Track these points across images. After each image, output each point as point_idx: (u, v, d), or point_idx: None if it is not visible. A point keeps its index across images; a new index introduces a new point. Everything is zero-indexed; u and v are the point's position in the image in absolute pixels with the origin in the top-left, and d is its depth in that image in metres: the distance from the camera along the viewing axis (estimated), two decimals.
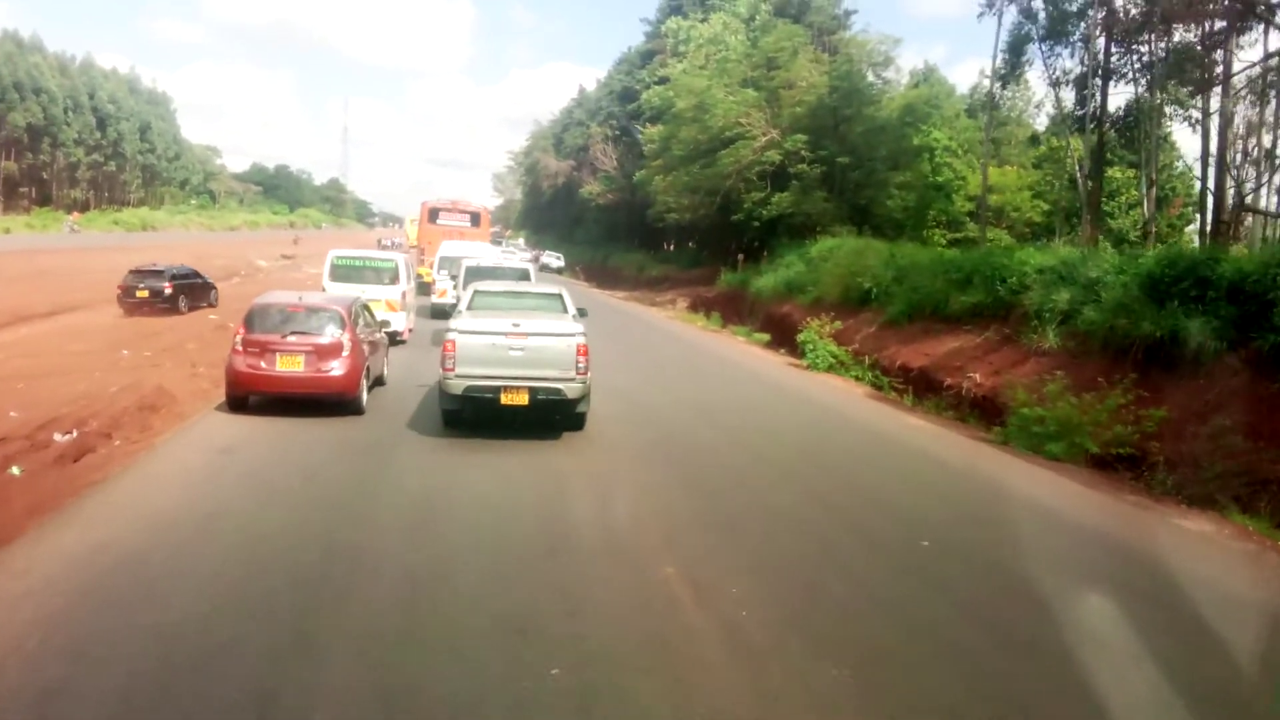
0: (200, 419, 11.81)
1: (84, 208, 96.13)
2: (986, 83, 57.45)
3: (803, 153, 36.39)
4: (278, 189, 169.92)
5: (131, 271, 25.95)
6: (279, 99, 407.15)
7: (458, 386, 11.37)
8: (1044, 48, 35.04)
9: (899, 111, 39.41)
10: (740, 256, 39.75)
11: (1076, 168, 35.27)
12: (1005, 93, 60.46)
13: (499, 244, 48.65)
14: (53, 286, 28.14)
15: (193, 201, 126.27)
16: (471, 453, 11.00)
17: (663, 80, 47.98)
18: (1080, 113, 33.57)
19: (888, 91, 40.89)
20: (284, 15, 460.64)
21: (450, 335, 11.51)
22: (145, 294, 24.80)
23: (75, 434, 9.75)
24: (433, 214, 41.21)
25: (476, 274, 20.18)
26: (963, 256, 24.71)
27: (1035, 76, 54.16)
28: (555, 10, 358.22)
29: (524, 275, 21.75)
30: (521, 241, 76.40)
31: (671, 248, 59.82)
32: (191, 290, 26.95)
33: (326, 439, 11.21)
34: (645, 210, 54.08)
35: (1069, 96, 34.96)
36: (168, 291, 25.36)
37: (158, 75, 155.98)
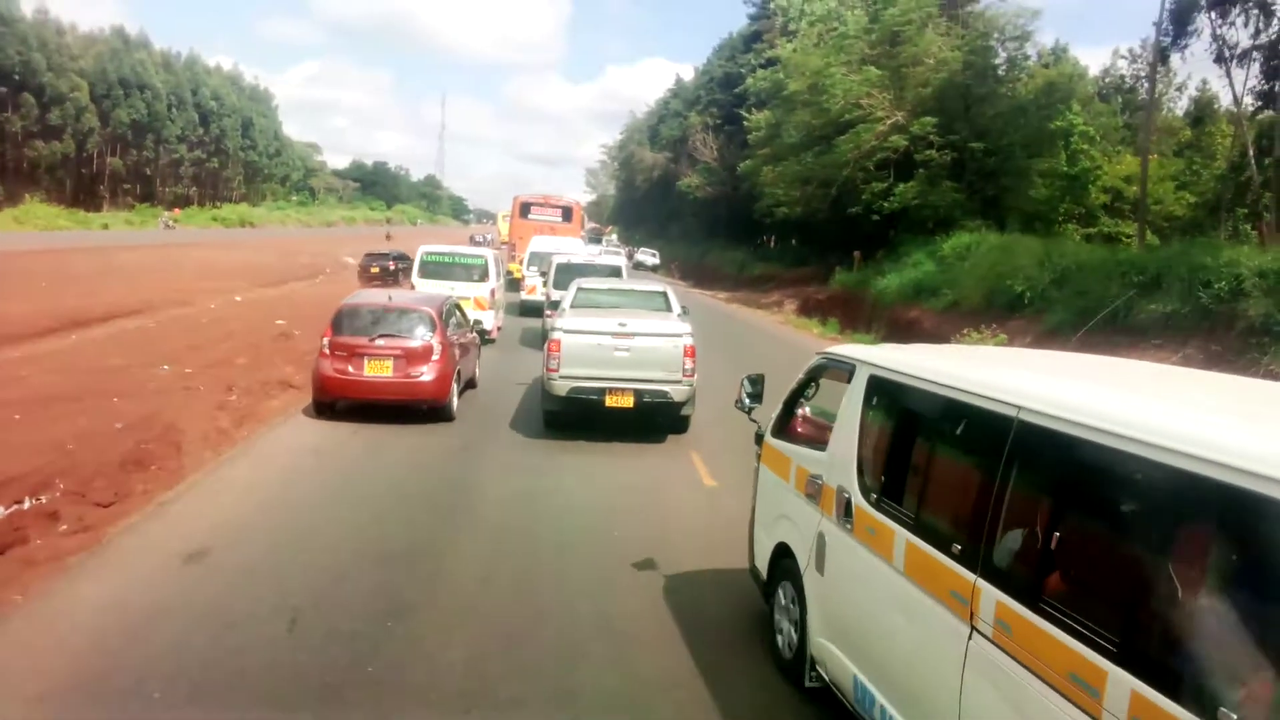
0: (196, 483, 8.91)
1: (186, 203, 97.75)
2: (1121, 65, 52.30)
3: (931, 137, 32.45)
4: (375, 185, 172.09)
5: (366, 254, 36.55)
6: (380, 97, 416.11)
7: (562, 388, 11.21)
8: (1213, 16, 30.34)
9: (1038, 92, 34.98)
10: (857, 254, 35.99)
11: (1250, 152, 30.47)
12: (1144, 76, 55.44)
13: (598, 241, 46.12)
14: (121, 287, 26.45)
15: (293, 198, 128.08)
16: (572, 454, 10.93)
17: (770, 63, 44.37)
18: (1265, 87, 28.82)
19: (1025, 69, 36.40)
20: (387, 12, 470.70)
21: (555, 335, 11.36)
22: (377, 270, 33.14)
23: (6, 511, 7.04)
24: (524, 209, 39.99)
25: (567, 271, 19.84)
26: (1147, 256, 20.73)
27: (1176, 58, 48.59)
28: (651, 3, 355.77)
29: (615, 272, 21.02)
30: (614, 237, 73.66)
31: (774, 244, 56.14)
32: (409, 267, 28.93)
33: (422, 436, 11.16)
34: (747, 204, 50.65)
35: (1239, 74, 30.17)
36: (391, 268, 33.22)
37: (263, 74, 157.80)
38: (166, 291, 26.28)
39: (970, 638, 3.69)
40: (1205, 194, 36.15)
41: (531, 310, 25.17)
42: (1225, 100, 42.62)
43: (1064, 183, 33.12)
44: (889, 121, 33.04)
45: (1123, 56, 56.58)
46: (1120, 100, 51.78)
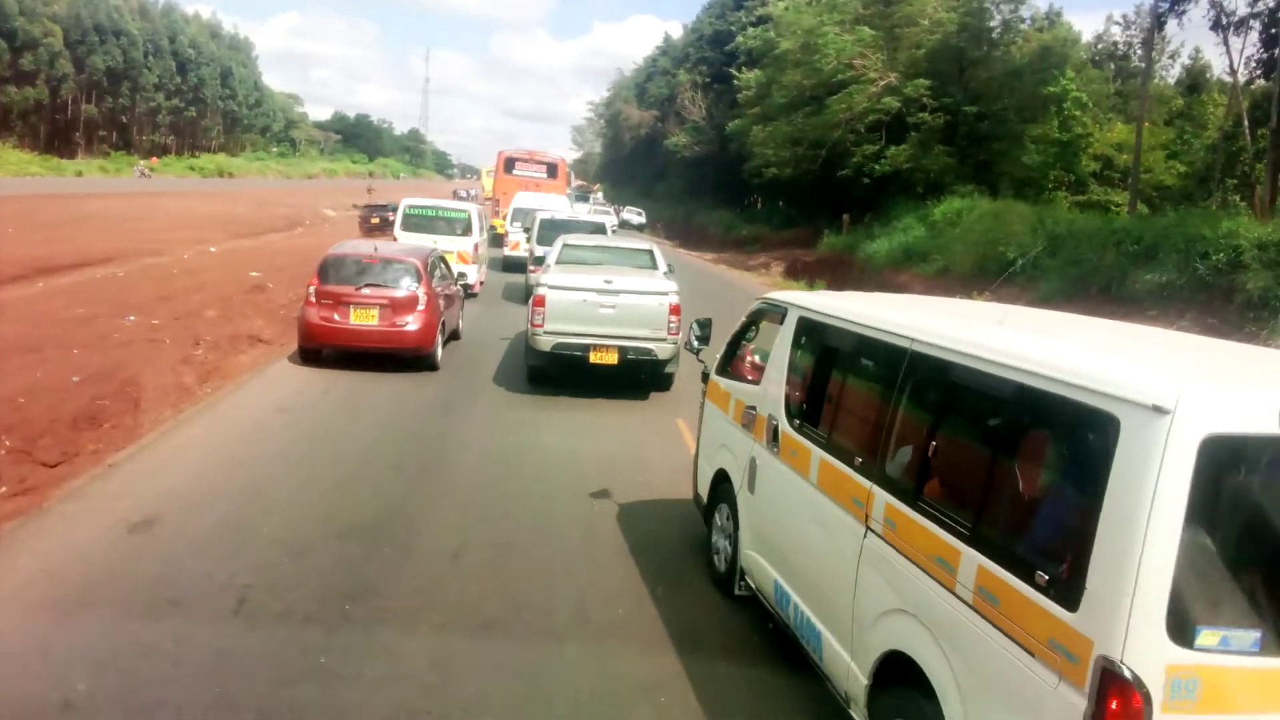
0: (151, 444, 8.29)
1: (164, 153, 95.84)
2: (1115, 31, 51.62)
3: (924, 100, 31.88)
4: (358, 139, 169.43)
5: (365, 206, 37.67)
6: (364, 49, 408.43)
7: (546, 343, 11.21)
8: None
9: (1032, 56, 34.37)
10: (846, 217, 35.52)
11: (1245, 121, 30.11)
12: (1138, 43, 54.79)
13: (585, 200, 45.46)
14: (91, 234, 25.68)
15: (273, 149, 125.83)
16: (554, 411, 10.90)
17: (762, 20, 43.54)
18: (1263, 56, 28.38)
19: (1020, 33, 35.74)
20: None
21: (540, 290, 11.32)
22: (377, 220, 32.69)
23: None
24: (509, 164, 39.75)
25: (551, 227, 19.82)
26: (1142, 225, 20.38)
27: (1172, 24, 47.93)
28: None
29: (600, 229, 20.91)
30: (599, 196, 72.69)
31: (761, 205, 55.50)
32: None
33: (400, 394, 10.95)
34: (735, 164, 49.97)
35: (1236, 42, 29.69)
36: (390, 219, 29.56)
37: (244, 24, 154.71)
38: (138, 240, 25.56)
39: (865, 536, 4.25)
40: (1195, 164, 35.79)
41: (515, 266, 25.05)
42: (1218, 69, 42.26)
43: (1056, 149, 32.70)
44: (881, 83, 32.44)
45: (1116, 23, 56.10)
46: (1113, 67, 51.26)
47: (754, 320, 6.49)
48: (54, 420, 7.76)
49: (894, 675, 3.88)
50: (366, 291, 11.80)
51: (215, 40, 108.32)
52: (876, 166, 32.35)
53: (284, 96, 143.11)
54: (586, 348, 11.19)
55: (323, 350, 12.11)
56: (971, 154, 32.92)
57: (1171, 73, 51.11)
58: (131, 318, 13.88)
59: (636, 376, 11.88)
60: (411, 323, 11.86)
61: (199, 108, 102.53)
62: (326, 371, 11.87)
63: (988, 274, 22.91)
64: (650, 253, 14.57)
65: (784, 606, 5.07)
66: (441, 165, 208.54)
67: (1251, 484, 2.93)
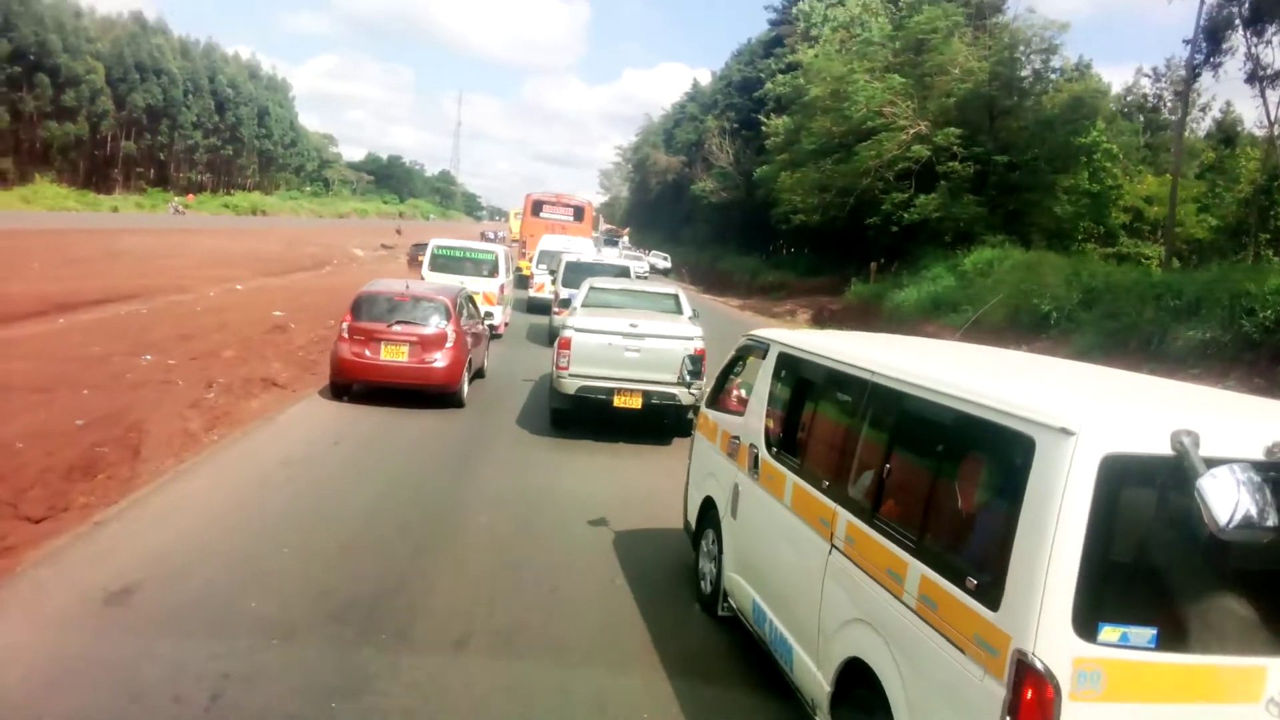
0: (143, 498, 7.82)
1: (200, 190, 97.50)
2: (1144, 83, 51.24)
3: (955, 149, 31.55)
4: (390, 179, 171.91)
5: (413, 245, 36.01)
6: (397, 93, 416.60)
7: (571, 386, 11.21)
8: (1248, 35, 29.40)
9: (1064, 106, 34.01)
10: (873, 265, 35.11)
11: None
12: (1168, 95, 54.33)
13: (614, 244, 45.59)
14: (120, 270, 25.80)
15: (306, 189, 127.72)
16: (577, 454, 10.90)
17: (791, 68, 43.63)
18: None
19: (1052, 82, 35.43)
20: (408, 8, 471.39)
21: (566, 333, 11.39)
22: (424, 259, 32.28)
23: None
24: (536, 207, 40.12)
25: (576, 270, 20.16)
26: (1184, 279, 19.79)
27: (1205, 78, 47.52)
28: (669, 8, 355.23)
29: (624, 273, 21.09)
30: (627, 240, 72.82)
31: (787, 252, 55.22)
32: None
33: (420, 440, 10.95)
34: (762, 210, 49.81)
35: (1272, 95, 29.14)
36: None
37: (282, 65, 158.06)
38: (165, 277, 25.66)
39: (830, 553, 4.56)
40: (1227, 217, 35.14)
41: (539, 308, 25.15)
42: (1249, 123, 41.71)
43: (1088, 200, 32.17)
44: (911, 131, 32.18)
45: (1146, 75, 55.55)
46: (1142, 119, 50.82)
47: (741, 356, 6.86)
48: (47, 469, 7.41)
49: (853, 680, 4.19)
50: (397, 329, 12.13)
51: (253, 80, 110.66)
52: (905, 215, 31.95)
53: (319, 136, 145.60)
54: (611, 391, 11.17)
55: (353, 385, 12.44)
56: (1001, 203, 32.45)
57: (1202, 125, 50.63)
58: (148, 357, 13.70)
59: (660, 421, 11.90)
60: (440, 359, 12.17)
61: (235, 146, 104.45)
62: (342, 416, 11.59)
63: (1020, 326, 22.37)
64: (676, 297, 14.61)
65: (761, 624, 5.41)
66: (470, 207, 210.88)
67: (1146, 498, 3.23)
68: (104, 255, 28.84)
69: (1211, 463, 3.00)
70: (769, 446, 5.66)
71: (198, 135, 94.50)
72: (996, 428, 3.50)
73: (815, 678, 4.53)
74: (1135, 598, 3.21)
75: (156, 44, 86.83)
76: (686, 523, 7.22)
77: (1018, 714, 3.08)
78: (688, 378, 7.84)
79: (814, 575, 4.64)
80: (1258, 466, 3.05)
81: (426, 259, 21.17)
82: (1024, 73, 34.33)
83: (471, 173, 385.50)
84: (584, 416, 11.65)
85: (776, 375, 5.92)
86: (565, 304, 18.01)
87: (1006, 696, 3.12)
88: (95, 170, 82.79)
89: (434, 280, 19.05)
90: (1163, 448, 3.10)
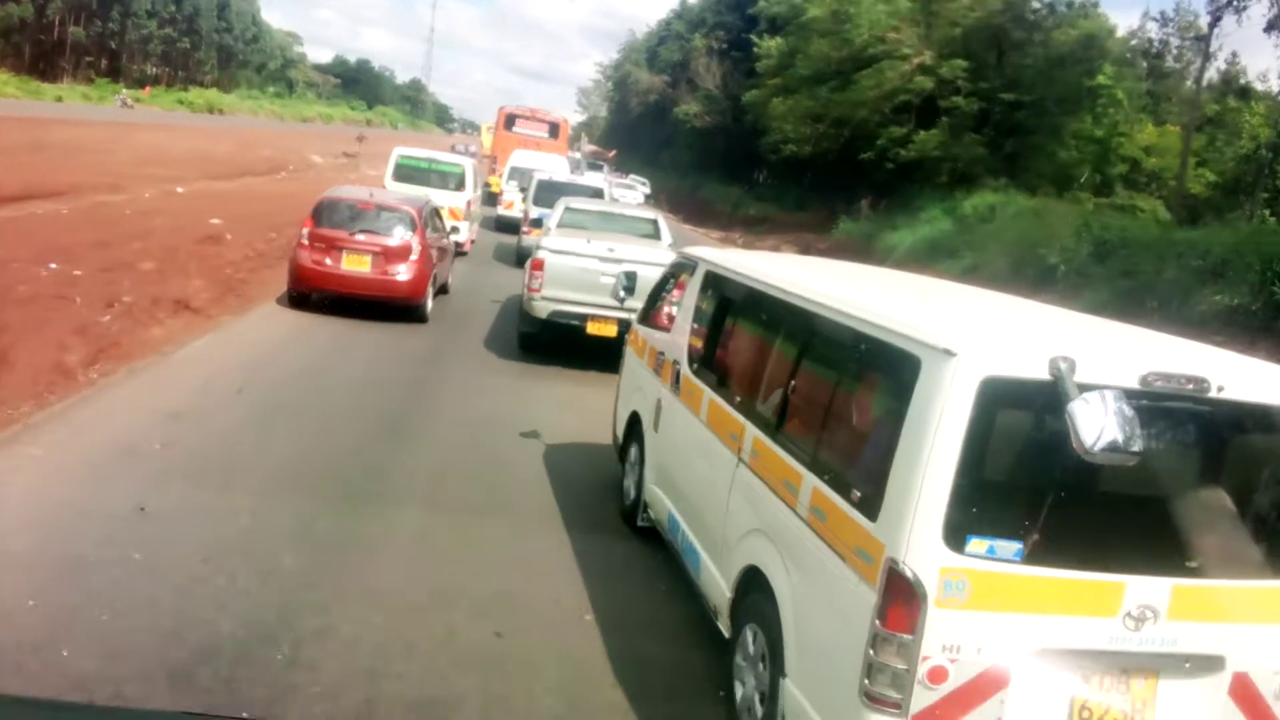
0: None
1: (155, 84, 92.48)
2: (1151, 27, 49.38)
3: (959, 83, 29.70)
4: (357, 84, 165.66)
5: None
6: None
7: (543, 309, 10.85)
8: None
9: (1074, 44, 32.11)
10: (865, 203, 33.40)
11: None
12: (1174, 41, 52.45)
13: (598, 168, 43.71)
14: (47, 164, 23.34)
15: (269, 89, 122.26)
16: (543, 381, 10.50)
17: None
18: None
19: (1065, 17, 33.40)
20: None
21: (540, 253, 10.99)
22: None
23: None
24: (509, 120, 38.39)
25: (548, 189, 19.46)
26: (1209, 237, 18.38)
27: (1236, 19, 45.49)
28: None
29: (598, 194, 20.36)
30: (610, 163, 70.06)
31: (772, 183, 53.19)
32: None
33: (386, 344, 10.74)
34: (748, 138, 47.69)
35: None
36: None
37: None
38: (99, 175, 23.28)
39: (737, 466, 4.70)
40: (1225, 174, 33.81)
41: (508, 226, 24.13)
42: (1251, 74, 40.33)
43: (1094, 146, 30.54)
44: (915, 61, 30.23)
45: (1153, 19, 53.28)
46: (1145, 66, 49.00)
47: (674, 273, 6.86)
48: None
49: (751, 587, 4.27)
50: (360, 238, 11.68)
51: None
52: (903, 151, 30.22)
53: (283, 34, 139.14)
54: (584, 317, 10.69)
55: (312, 295, 11.92)
56: (1003, 145, 30.80)
57: (1206, 76, 48.92)
58: (52, 265, 11.73)
59: None
60: (404, 272, 11.76)
61: (193, 39, 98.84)
62: (254, 350, 9.91)
63: (1024, 277, 20.92)
64: (655, 222, 14.17)
65: (674, 534, 5.53)
66: (442, 118, 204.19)
67: (1022, 420, 3.34)
68: (32, 146, 26.18)
69: (1086, 389, 3.04)
70: (690, 363, 5.73)
71: (152, 25, 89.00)
72: (886, 347, 3.60)
73: (719, 584, 4.68)
74: (1004, 513, 3.29)
75: None
76: (615, 436, 7.20)
77: (886, 618, 3.20)
78: (622, 294, 7.72)
79: (722, 487, 4.75)
80: (1130, 394, 3.10)
81: (390, 168, 20.01)
82: (1036, 4, 32.37)
83: (444, 83, 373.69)
84: (554, 342, 11.14)
85: (702, 293, 5.94)
86: (536, 224, 17.54)
87: (877, 602, 3.23)
88: (42, 57, 77.66)
89: (396, 190, 18.16)
90: (1041, 372, 3.16)
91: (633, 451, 6.61)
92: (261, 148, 43.39)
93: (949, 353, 3.19)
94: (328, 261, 11.60)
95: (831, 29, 32.04)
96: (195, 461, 6.49)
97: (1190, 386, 3.28)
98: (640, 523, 6.25)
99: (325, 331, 11.24)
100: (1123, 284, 17.99)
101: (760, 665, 4.06)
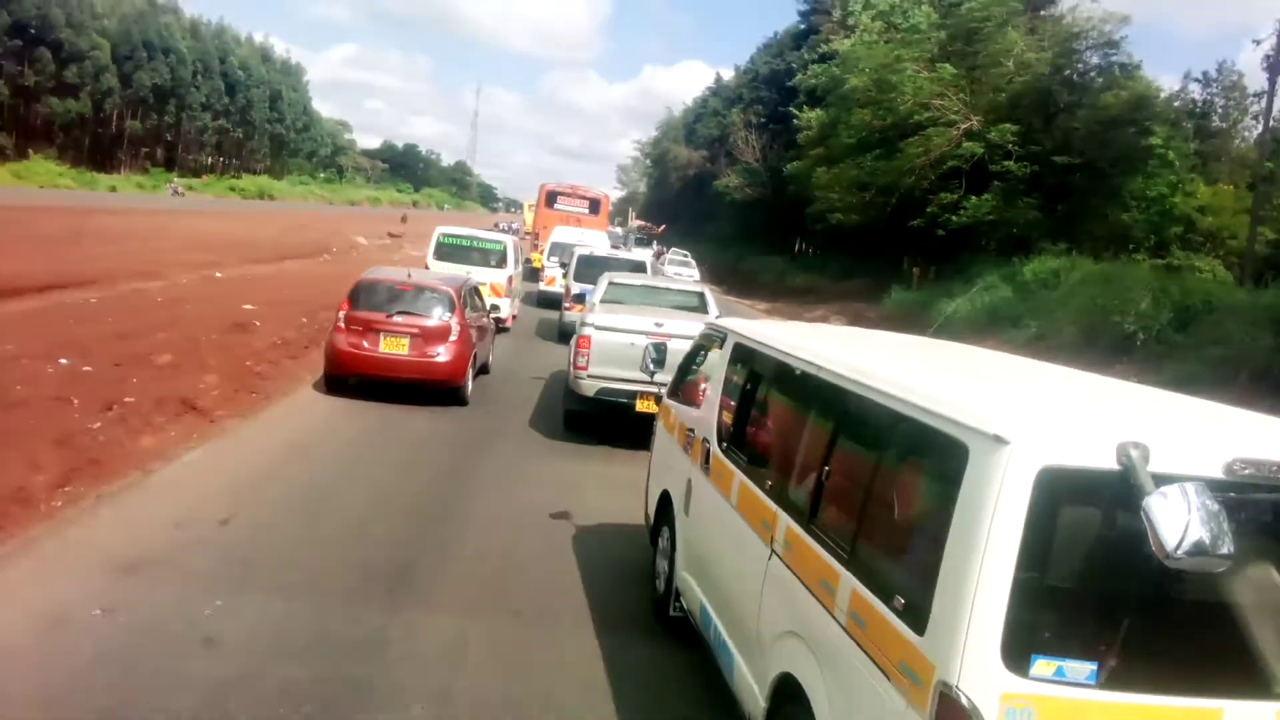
0: None
1: (210, 172, 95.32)
2: (1194, 88, 48.30)
3: (1010, 147, 28.73)
4: (405, 168, 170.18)
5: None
6: (416, 82, 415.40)
7: (590, 388, 10.59)
8: None
9: (1126, 105, 31.03)
10: (916, 271, 32.28)
11: None
12: (1219, 101, 51.30)
13: (646, 244, 43.71)
14: (85, 252, 23.26)
15: (319, 175, 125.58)
16: (590, 462, 10.05)
17: (825, 58, 40.72)
18: None
19: (1116, 79, 32.40)
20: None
21: (585, 330, 10.80)
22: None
23: None
24: (550, 198, 38.80)
25: (589, 264, 19.43)
26: None
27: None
28: (691, 6, 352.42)
29: (640, 268, 19.93)
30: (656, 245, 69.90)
31: (815, 253, 52.33)
32: None
33: (418, 438, 10.05)
34: (790, 208, 47.09)
35: None
36: None
37: (303, 54, 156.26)
38: (137, 262, 23.10)
39: (769, 558, 4.22)
40: None
41: (549, 302, 24.25)
42: None
43: (1154, 207, 29.18)
44: (962, 126, 29.33)
45: (1195, 79, 52.19)
46: (1191, 126, 47.75)
47: (703, 345, 6.57)
48: None
49: (786, 697, 3.84)
50: (398, 319, 11.40)
51: (266, 64, 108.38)
52: (954, 217, 29.14)
53: (333, 123, 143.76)
54: (632, 394, 10.28)
55: (349, 379, 11.55)
56: (1058, 208, 29.58)
57: (1254, 133, 47.61)
58: (63, 361, 11.05)
59: None
60: (443, 353, 11.45)
61: (246, 129, 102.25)
62: (273, 450, 8.99)
63: (1098, 347, 19.58)
64: (701, 295, 13.75)
65: (707, 628, 5.08)
66: (487, 198, 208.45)
67: (1089, 517, 2.90)
68: (72, 235, 26.26)
69: (1162, 480, 2.63)
70: (720, 441, 5.35)
71: (206, 117, 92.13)
72: (930, 431, 3.16)
73: (752, 690, 4.27)
74: (1073, 627, 2.86)
75: (165, 23, 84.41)
76: (646, 517, 6.78)
77: None
78: (651, 367, 7.43)
79: (754, 580, 4.35)
80: (1215, 486, 2.66)
81: (431, 247, 20.13)
82: (1085, 67, 31.45)
83: (488, 164, 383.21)
84: (601, 421, 10.77)
85: (731, 367, 5.63)
86: (578, 299, 17.40)
87: None
88: (100, 149, 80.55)
89: (438, 269, 18.39)
90: (1108, 461, 2.74)
91: (664, 535, 6.16)
92: (306, 231, 43.73)
93: (1000, 439, 2.80)
94: (365, 345, 11.28)
95: (874, 98, 31.41)
96: (138, 637, 4.96)
97: None
98: (672, 612, 5.77)
99: (347, 430, 10.30)
100: (1213, 354, 16.60)
101: None
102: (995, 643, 2.70)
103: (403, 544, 6.91)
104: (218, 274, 24.54)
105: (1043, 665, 2.72)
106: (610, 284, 13.50)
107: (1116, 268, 22.50)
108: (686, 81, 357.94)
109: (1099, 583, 2.91)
